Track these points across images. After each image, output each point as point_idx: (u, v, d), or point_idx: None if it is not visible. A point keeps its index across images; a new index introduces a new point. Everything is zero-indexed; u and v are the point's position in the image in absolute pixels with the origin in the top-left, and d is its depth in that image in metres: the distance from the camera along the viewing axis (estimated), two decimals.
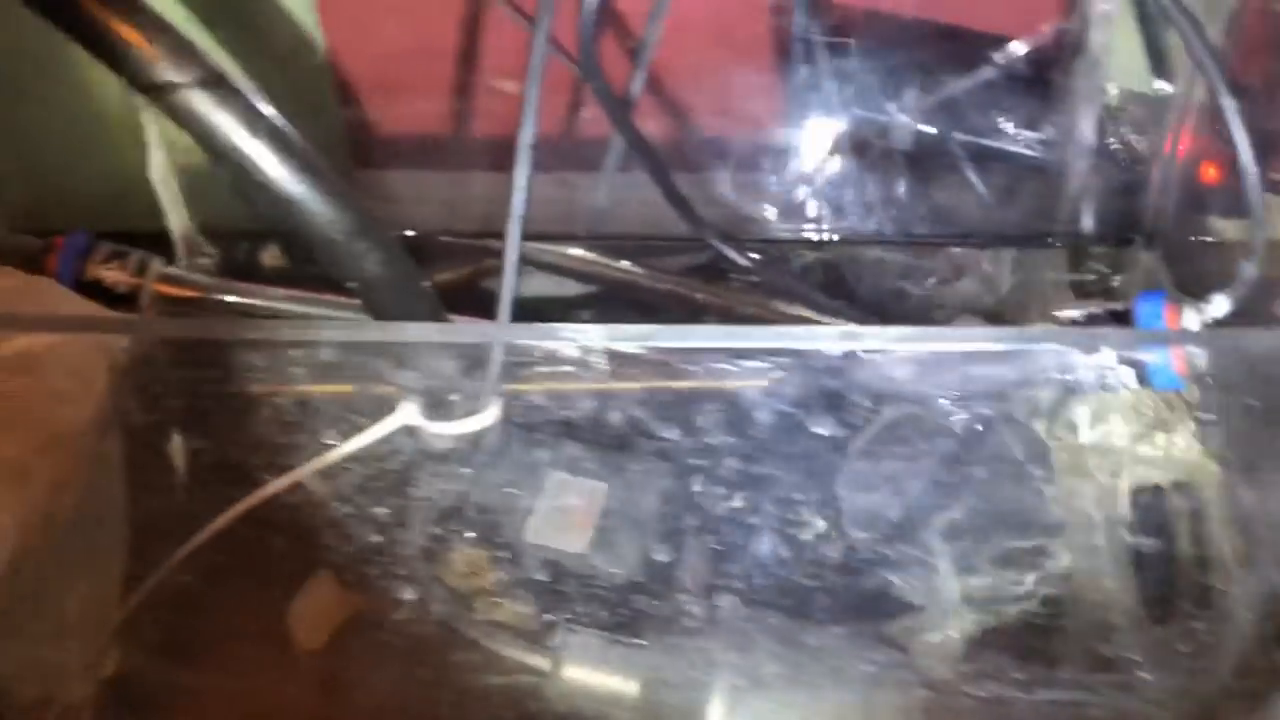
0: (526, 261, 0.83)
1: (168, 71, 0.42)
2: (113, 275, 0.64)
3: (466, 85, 0.80)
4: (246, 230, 0.76)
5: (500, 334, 0.51)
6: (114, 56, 0.42)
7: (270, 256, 0.79)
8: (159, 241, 0.72)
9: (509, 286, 0.52)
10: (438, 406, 0.53)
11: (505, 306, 0.53)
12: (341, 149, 0.83)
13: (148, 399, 0.64)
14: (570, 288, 0.78)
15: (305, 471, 0.51)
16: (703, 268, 0.75)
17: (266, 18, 0.78)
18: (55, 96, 0.73)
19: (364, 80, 0.81)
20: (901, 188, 0.74)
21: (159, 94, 0.42)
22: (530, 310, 0.75)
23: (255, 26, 0.78)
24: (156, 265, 0.66)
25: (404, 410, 0.54)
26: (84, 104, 0.73)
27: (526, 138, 0.52)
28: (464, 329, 0.53)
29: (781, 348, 0.51)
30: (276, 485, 0.52)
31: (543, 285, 0.80)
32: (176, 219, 0.71)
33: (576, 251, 0.76)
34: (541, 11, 0.50)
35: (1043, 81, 0.72)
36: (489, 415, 0.53)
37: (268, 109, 0.44)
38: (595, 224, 0.77)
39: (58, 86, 0.72)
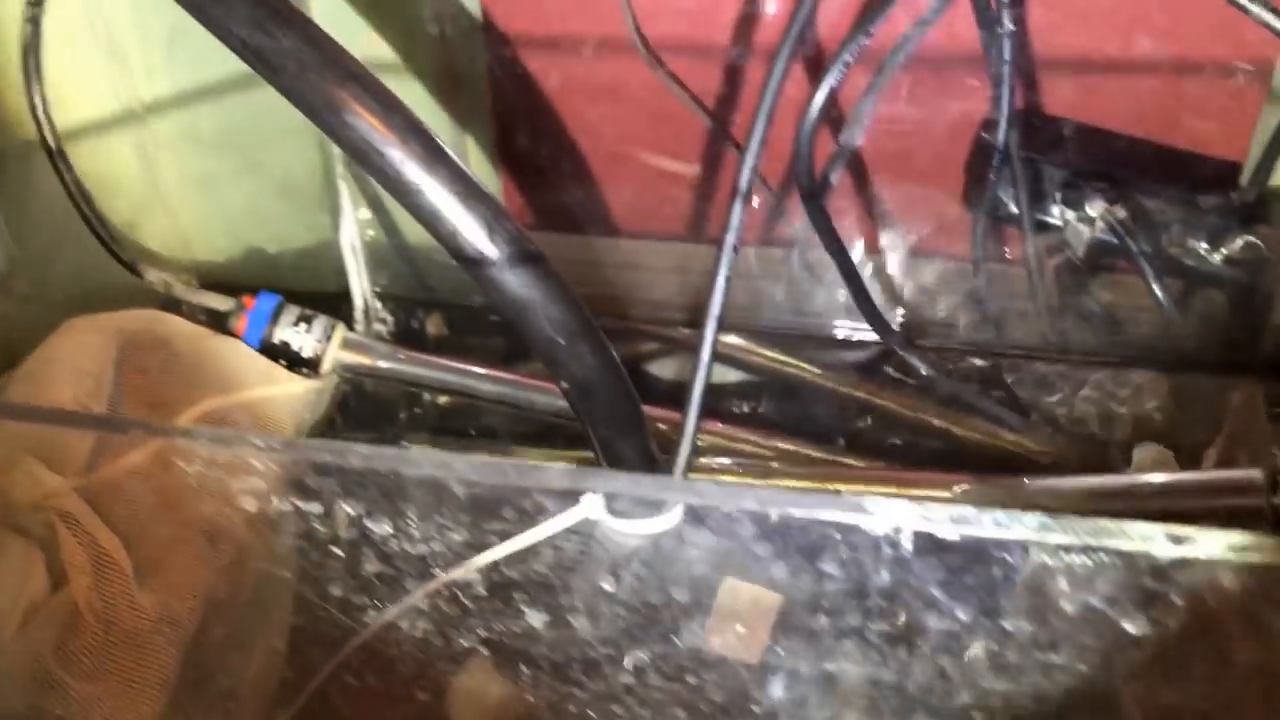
0: (681, 344, 0.85)
1: (400, 159, 0.42)
2: (299, 340, 0.66)
3: (614, 152, 0.81)
4: (418, 299, 0.79)
5: (682, 492, 0.50)
6: (342, 132, 0.43)
7: (434, 324, 0.81)
8: (337, 301, 0.74)
9: (689, 437, 0.52)
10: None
11: (683, 458, 0.52)
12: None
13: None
14: (728, 375, 0.78)
15: (479, 562, 0.51)
16: (862, 365, 0.75)
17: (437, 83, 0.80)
18: (252, 159, 0.76)
19: (525, 144, 0.84)
20: (1082, 301, 0.72)
21: (385, 177, 0.43)
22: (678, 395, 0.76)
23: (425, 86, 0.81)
24: (341, 331, 0.67)
25: (587, 503, 0.54)
26: (280, 168, 0.76)
27: (730, 241, 0.53)
28: (644, 481, 0.52)
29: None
30: (451, 574, 0.52)
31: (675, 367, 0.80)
32: (359, 284, 0.73)
33: (736, 339, 0.76)
34: (756, 130, 0.51)
35: (1242, 199, 0.70)
36: (672, 517, 0.53)
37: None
38: (758, 314, 0.77)
39: (257, 149, 0.75)
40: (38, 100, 0.59)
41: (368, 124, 0.42)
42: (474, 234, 0.43)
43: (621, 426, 0.50)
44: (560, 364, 0.47)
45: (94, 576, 0.50)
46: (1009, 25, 0.59)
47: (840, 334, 0.73)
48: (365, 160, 0.43)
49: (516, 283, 0.44)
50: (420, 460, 0.37)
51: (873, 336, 0.70)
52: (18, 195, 0.61)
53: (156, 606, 0.51)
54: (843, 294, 0.69)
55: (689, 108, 0.73)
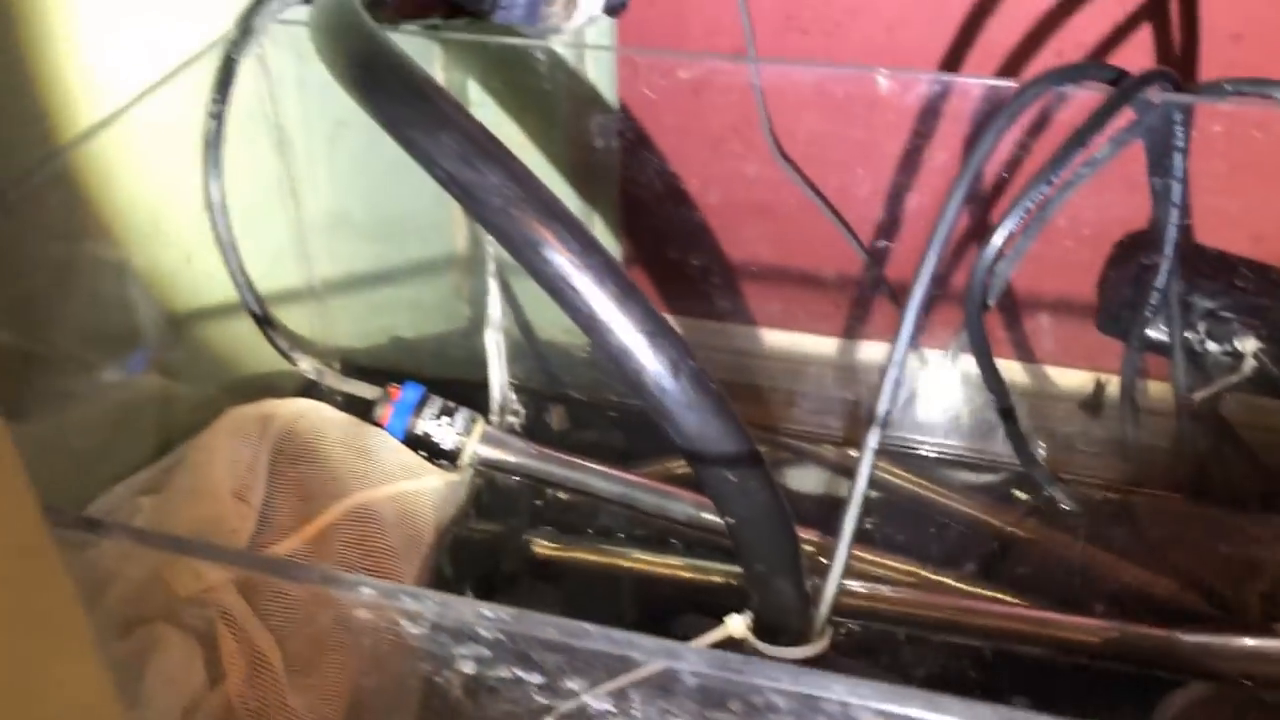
0: (806, 455, 0.85)
1: (594, 297, 0.43)
2: (440, 432, 0.67)
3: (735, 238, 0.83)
4: (546, 392, 0.80)
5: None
6: (540, 267, 0.43)
7: (559, 417, 0.82)
8: (472, 390, 0.75)
9: (835, 576, 0.52)
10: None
11: (829, 595, 0.52)
12: None
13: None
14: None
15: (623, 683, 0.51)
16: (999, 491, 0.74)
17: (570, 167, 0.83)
18: (399, 249, 0.78)
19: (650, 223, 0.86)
20: (1226, 441, 0.71)
21: (578, 313, 0.44)
22: (801, 503, 0.76)
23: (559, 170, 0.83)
24: (480, 426, 0.68)
25: (732, 624, 0.53)
26: (425, 259, 0.78)
27: (891, 378, 0.52)
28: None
29: None
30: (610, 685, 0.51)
31: (814, 480, 0.80)
32: (498, 377, 0.74)
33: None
34: (923, 276, 0.51)
35: None
36: (820, 645, 0.53)
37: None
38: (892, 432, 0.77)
39: (404, 240, 0.77)
40: (215, 193, 0.60)
41: (565, 261, 0.42)
42: (660, 373, 0.43)
43: (778, 564, 0.49)
44: (728, 499, 0.47)
45: (249, 675, 0.51)
46: (1180, 172, 0.59)
47: (978, 458, 0.73)
48: (559, 294, 0.43)
49: (696, 421, 0.44)
50: (653, 648, 0.37)
51: (1012, 462, 0.70)
52: (180, 281, 0.63)
53: (306, 709, 0.52)
54: (986, 418, 0.68)
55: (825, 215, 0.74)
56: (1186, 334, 0.73)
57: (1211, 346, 0.73)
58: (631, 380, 0.44)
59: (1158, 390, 0.75)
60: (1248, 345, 0.69)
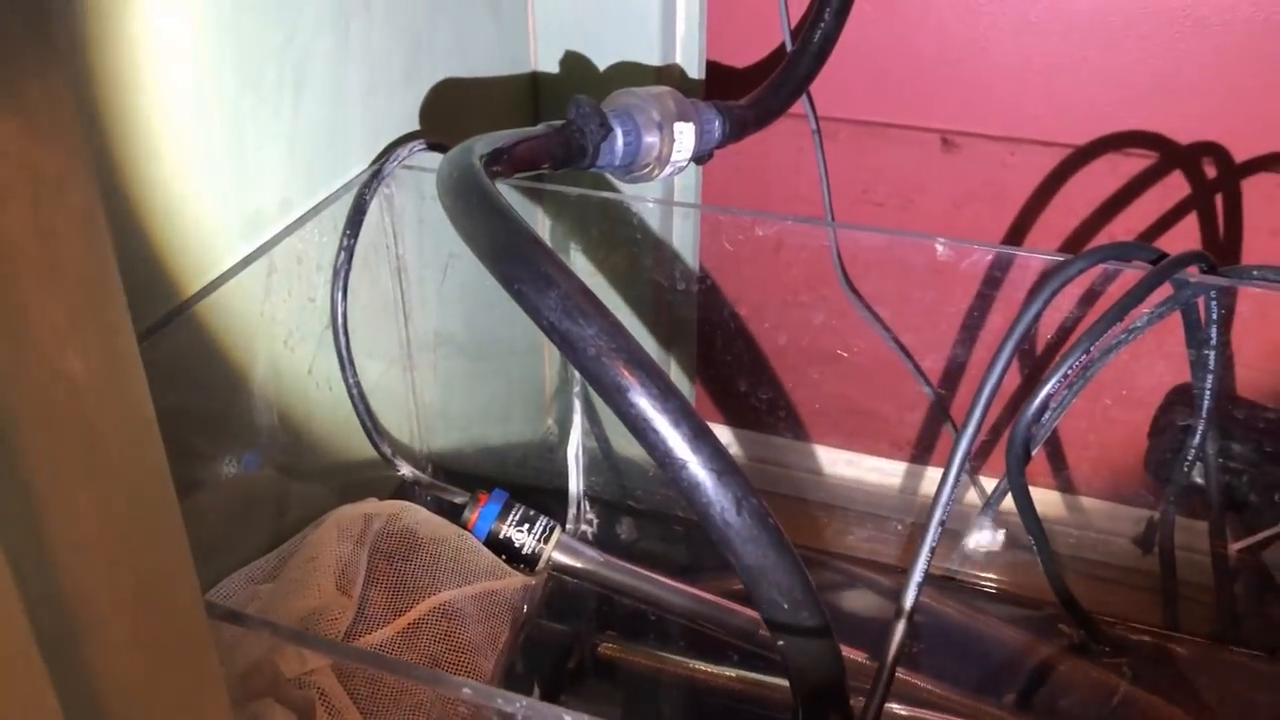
0: (858, 579, 0.89)
1: (671, 437, 0.49)
2: (521, 537, 0.73)
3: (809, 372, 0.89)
4: (619, 503, 0.86)
5: None
6: (626, 409, 0.50)
7: (628, 527, 0.88)
8: (551, 498, 0.81)
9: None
10: None
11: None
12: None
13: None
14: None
15: None
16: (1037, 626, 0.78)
17: (656, 305, 0.90)
18: (493, 367, 0.85)
19: (729, 353, 0.93)
20: (1264, 591, 0.74)
21: (655, 450, 0.50)
22: (846, 626, 0.80)
23: (647, 311, 0.90)
24: (557, 534, 0.74)
25: None
26: (515, 376, 0.85)
27: (936, 518, 0.57)
28: None
29: None
30: None
31: (868, 602, 0.84)
32: (576, 487, 0.80)
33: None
34: (970, 425, 0.56)
35: None
36: None
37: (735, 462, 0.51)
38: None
39: (498, 359, 0.84)
40: (340, 316, 0.68)
41: (647, 405, 0.49)
42: (725, 508, 0.49)
43: (825, 690, 0.54)
44: (781, 626, 0.52)
45: None
46: (1215, 340, 0.63)
47: (1017, 593, 0.77)
48: (640, 434, 0.50)
49: (755, 552, 0.50)
50: None
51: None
52: (299, 389, 0.70)
53: None
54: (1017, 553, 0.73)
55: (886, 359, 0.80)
56: (1233, 484, 0.77)
57: (1254, 498, 0.77)
58: (700, 512, 0.49)
59: (1204, 535, 0.79)
60: None
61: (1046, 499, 0.92)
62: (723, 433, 1.07)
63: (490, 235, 0.52)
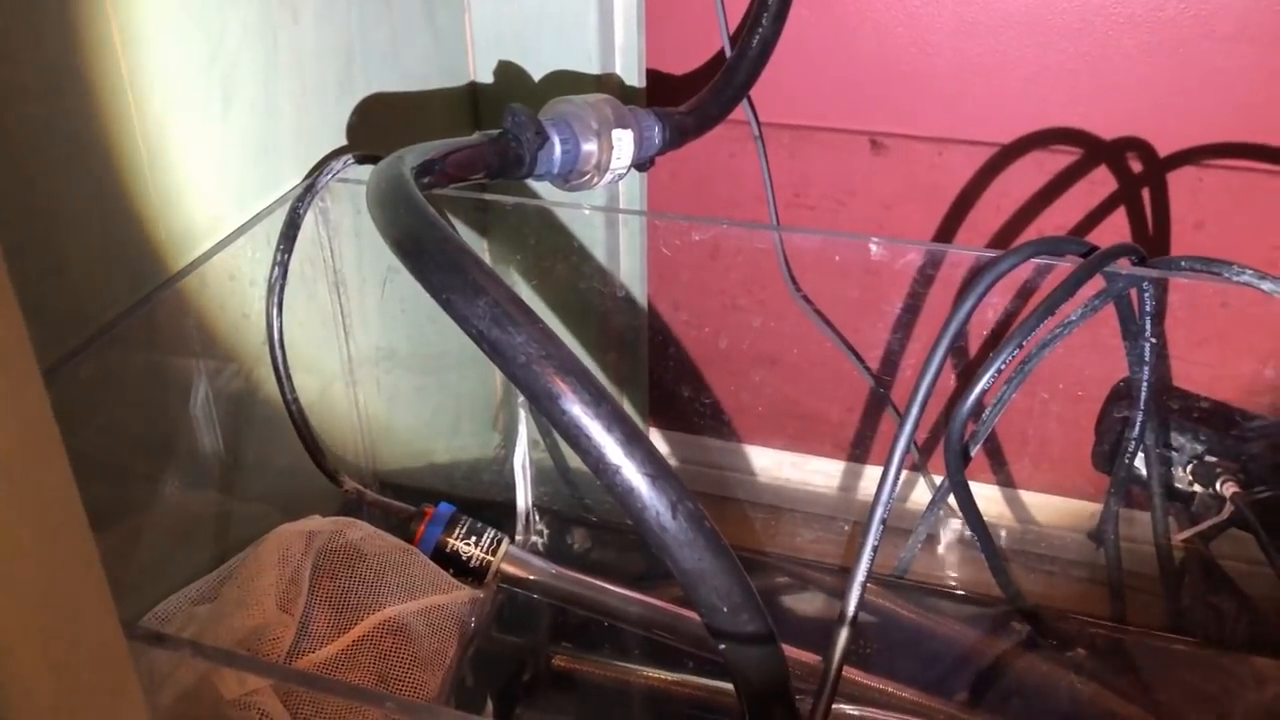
0: (807, 581, 0.89)
1: (604, 442, 0.49)
2: (468, 550, 0.72)
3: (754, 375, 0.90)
4: (569, 515, 0.86)
5: None
6: (557, 416, 0.49)
7: (580, 538, 0.88)
8: (499, 511, 0.81)
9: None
10: None
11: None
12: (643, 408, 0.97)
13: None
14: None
15: None
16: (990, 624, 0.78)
17: (603, 310, 0.90)
18: (438, 381, 0.84)
19: (676, 357, 0.94)
20: (1207, 581, 0.75)
21: (588, 456, 0.49)
22: (795, 628, 0.81)
23: (594, 318, 0.90)
24: (505, 546, 0.73)
25: None
26: (461, 390, 0.85)
27: (878, 516, 0.57)
28: None
29: None
30: None
31: (817, 603, 0.84)
32: (524, 499, 0.79)
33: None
34: (906, 427, 0.56)
35: None
36: None
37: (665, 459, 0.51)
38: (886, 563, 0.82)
39: (442, 373, 0.84)
40: (276, 332, 0.67)
41: (579, 412, 0.48)
42: (660, 512, 0.49)
43: (770, 690, 0.54)
44: (722, 630, 0.52)
45: None
46: (1148, 331, 0.64)
47: (966, 591, 0.77)
48: (573, 440, 0.49)
49: (692, 556, 0.50)
50: None
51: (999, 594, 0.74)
52: (240, 407, 0.69)
53: None
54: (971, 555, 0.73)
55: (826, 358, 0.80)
56: (1177, 474, 0.78)
57: (1197, 489, 0.77)
58: (635, 517, 0.49)
59: (1144, 530, 0.80)
60: (1227, 489, 0.74)
61: (998, 495, 0.93)
62: (674, 438, 1.07)
63: (418, 245, 0.51)
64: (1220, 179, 0.88)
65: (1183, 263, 0.61)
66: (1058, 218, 0.94)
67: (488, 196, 0.78)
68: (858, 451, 0.95)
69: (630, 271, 0.92)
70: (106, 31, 0.52)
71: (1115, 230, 0.92)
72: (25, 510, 0.31)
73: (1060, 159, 0.92)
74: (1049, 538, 0.85)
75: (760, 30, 0.87)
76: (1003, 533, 0.79)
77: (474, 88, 0.90)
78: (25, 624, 0.32)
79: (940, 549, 0.79)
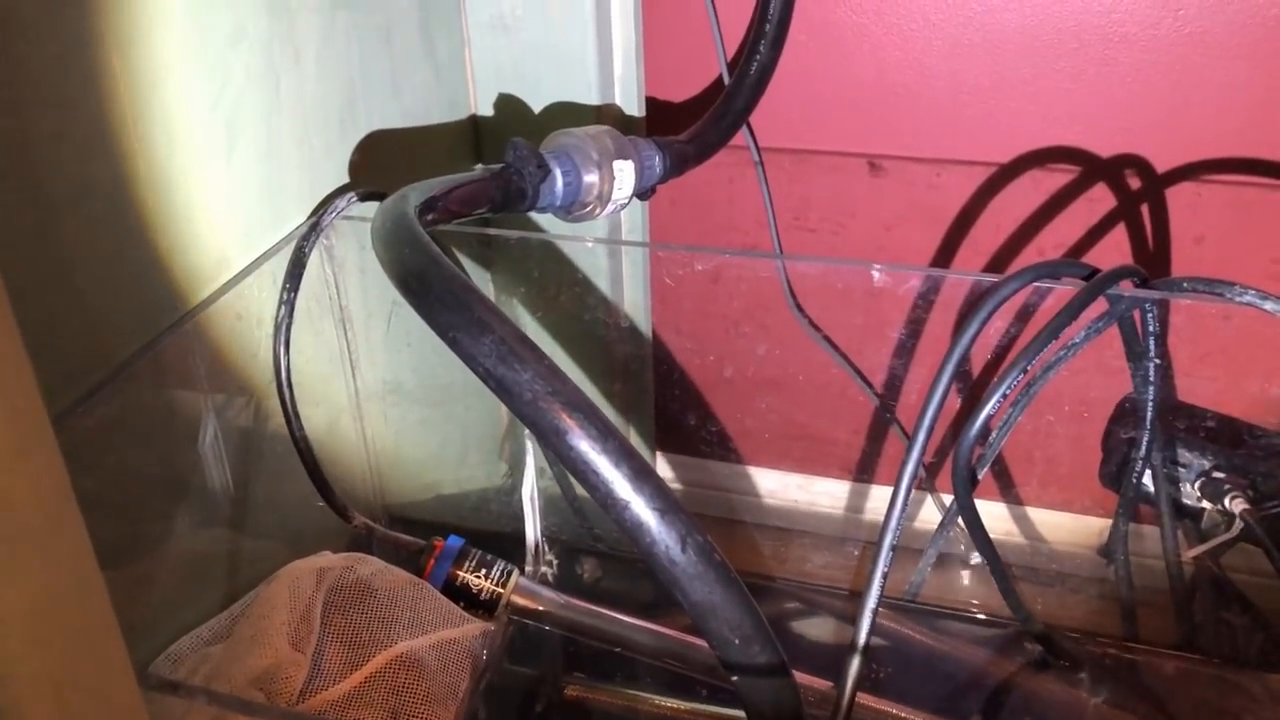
0: (817, 606, 0.89)
1: (612, 478, 0.49)
2: (478, 583, 0.72)
3: (759, 399, 0.90)
4: (579, 545, 0.86)
5: None
6: (565, 452, 0.49)
7: (590, 568, 0.88)
8: (509, 542, 0.81)
9: None
10: None
11: None
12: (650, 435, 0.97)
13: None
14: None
15: None
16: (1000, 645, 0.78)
17: (608, 339, 0.90)
18: (445, 413, 0.85)
19: (682, 383, 0.94)
20: (1219, 598, 0.75)
21: (597, 492, 0.49)
22: (807, 654, 0.80)
23: (599, 348, 0.91)
24: (515, 578, 0.73)
25: None
26: (468, 422, 0.85)
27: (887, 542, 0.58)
28: None
29: None
30: None
31: (824, 629, 0.84)
32: (533, 530, 0.79)
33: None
34: (913, 455, 0.57)
35: None
36: None
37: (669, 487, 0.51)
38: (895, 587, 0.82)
39: (449, 405, 0.84)
40: (283, 370, 0.68)
41: (586, 448, 0.48)
42: (670, 546, 0.49)
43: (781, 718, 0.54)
44: (732, 662, 0.52)
45: None
46: (1152, 351, 0.64)
47: (978, 613, 0.77)
48: (581, 476, 0.50)
49: (702, 589, 0.50)
50: None
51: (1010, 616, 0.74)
52: (249, 443, 0.70)
53: None
54: (983, 577, 0.73)
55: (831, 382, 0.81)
56: (1186, 491, 0.78)
57: (1206, 505, 0.77)
58: (645, 552, 0.49)
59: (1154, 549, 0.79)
60: (1236, 505, 0.74)
61: (1009, 513, 0.93)
62: (682, 462, 1.07)
63: (424, 284, 0.52)
64: (1219, 194, 0.89)
65: (1185, 284, 0.61)
66: (1057, 236, 0.94)
67: (490, 231, 0.78)
68: (865, 473, 0.95)
69: (634, 300, 0.93)
70: (111, 78, 0.53)
71: (1115, 245, 0.92)
72: (40, 565, 0.31)
73: (1058, 177, 0.92)
74: (1060, 556, 0.85)
75: (758, 57, 0.88)
76: (1013, 551, 0.79)
77: (475, 121, 0.90)
78: (41, 678, 0.32)
79: (950, 571, 0.79)
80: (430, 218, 0.60)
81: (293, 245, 0.68)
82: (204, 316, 0.62)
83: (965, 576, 0.79)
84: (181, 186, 0.59)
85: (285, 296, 0.68)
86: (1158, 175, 0.89)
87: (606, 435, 0.49)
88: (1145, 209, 0.90)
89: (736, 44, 0.94)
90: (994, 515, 0.91)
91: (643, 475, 0.49)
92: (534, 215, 0.84)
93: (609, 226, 0.91)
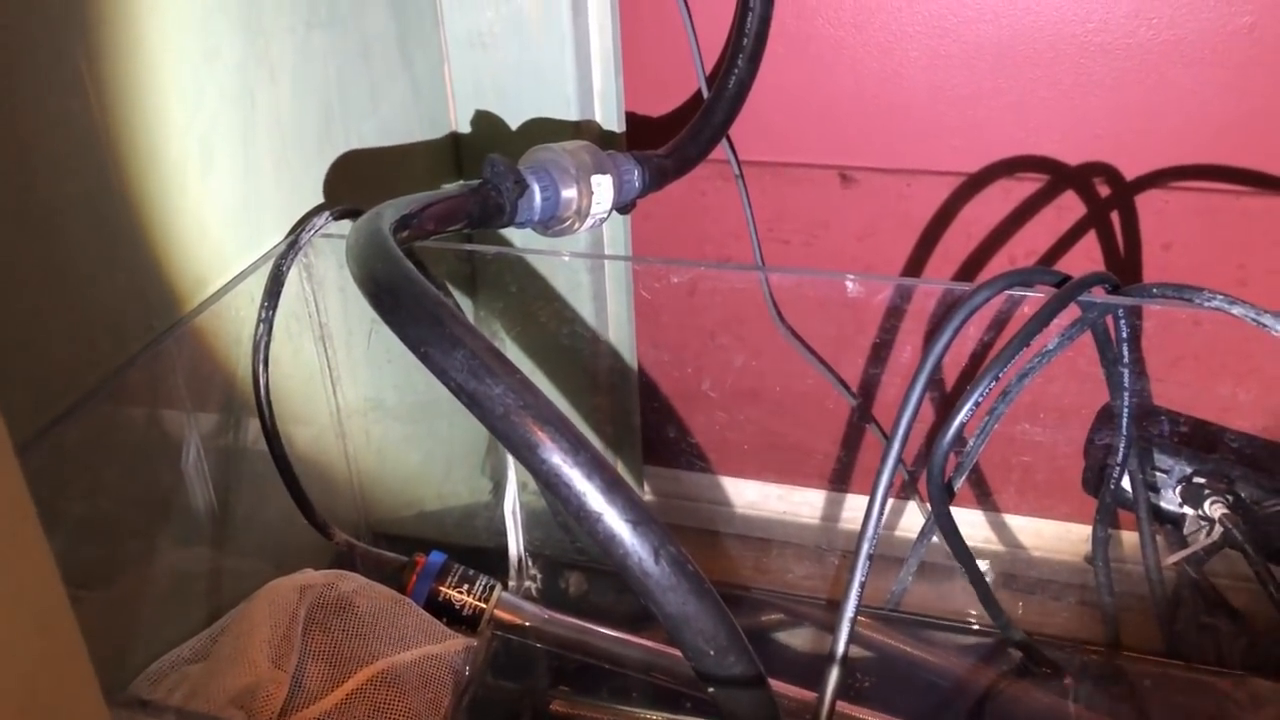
0: (799, 615, 0.89)
1: (584, 490, 0.49)
2: (460, 598, 0.72)
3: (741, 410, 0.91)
4: (563, 559, 0.86)
5: None
6: (537, 465, 0.50)
7: (575, 582, 0.88)
8: (493, 557, 0.81)
9: None
10: None
11: None
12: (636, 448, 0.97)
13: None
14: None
15: None
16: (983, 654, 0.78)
17: (591, 353, 0.91)
18: (427, 429, 0.85)
19: (663, 396, 0.94)
20: (1200, 603, 0.75)
21: (569, 504, 0.50)
22: (788, 664, 0.81)
23: (583, 361, 0.91)
24: (498, 592, 0.73)
25: None
26: (450, 437, 0.85)
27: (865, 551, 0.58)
28: None
29: None
30: None
31: (805, 639, 0.84)
32: (516, 545, 0.80)
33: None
34: (887, 468, 0.57)
35: None
36: None
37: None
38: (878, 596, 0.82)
39: (431, 420, 0.84)
40: (262, 388, 0.68)
41: (558, 461, 0.49)
42: (643, 558, 0.49)
43: None
44: (708, 673, 0.52)
45: None
46: (1126, 358, 0.65)
47: (958, 623, 0.77)
48: (554, 488, 0.50)
49: (675, 600, 0.50)
50: None
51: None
52: (230, 461, 0.70)
53: None
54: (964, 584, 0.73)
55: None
56: (1167, 496, 0.78)
57: (1187, 510, 0.77)
58: (618, 564, 0.49)
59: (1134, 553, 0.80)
60: (1216, 510, 0.74)
61: (991, 521, 0.93)
62: (667, 474, 1.07)
63: (395, 299, 0.52)
64: (1186, 201, 0.90)
65: (1155, 290, 0.62)
66: (1028, 243, 0.95)
67: (468, 247, 0.79)
68: (847, 482, 0.95)
69: (617, 313, 0.93)
70: (83, 97, 0.53)
71: (1085, 253, 0.93)
72: (2, 589, 0.32)
73: (1028, 186, 0.93)
74: (1043, 563, 0.85)
75: (736, 71, 0.89)
76: (995, 559, 0.80)
77: (456, 138, 0.91)
78: (4, 696, 0.32)
79: (933, 579, 0.79)
80: (405, 234, 0.61)
81: (270, 264, 0.69)
82: (182, 335, 0.62)
83: (947, 585, 0.79)
84: (157, 206, 0.59)
85: (263, 315, 0.68)
86: (1126, 183, 0.90)
87: (579, 448, 0.49)
88: (1115, 216, 0.90)
89: (715, 57, 0.95)
90: (976, 523, 0.91)
91: (615, 487, 0.49)
92: (516, 231, 0.85)
93: (591, 241, 0.91)
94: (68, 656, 0.35)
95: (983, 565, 0.72)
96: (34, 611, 0.33)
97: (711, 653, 0.51)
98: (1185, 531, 0.77)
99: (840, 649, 0.56)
